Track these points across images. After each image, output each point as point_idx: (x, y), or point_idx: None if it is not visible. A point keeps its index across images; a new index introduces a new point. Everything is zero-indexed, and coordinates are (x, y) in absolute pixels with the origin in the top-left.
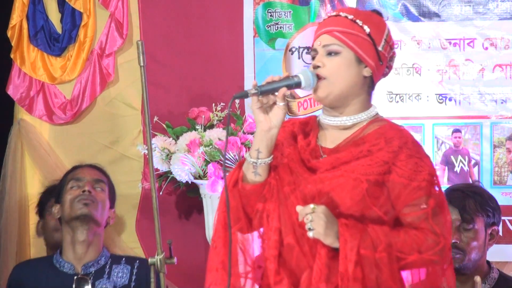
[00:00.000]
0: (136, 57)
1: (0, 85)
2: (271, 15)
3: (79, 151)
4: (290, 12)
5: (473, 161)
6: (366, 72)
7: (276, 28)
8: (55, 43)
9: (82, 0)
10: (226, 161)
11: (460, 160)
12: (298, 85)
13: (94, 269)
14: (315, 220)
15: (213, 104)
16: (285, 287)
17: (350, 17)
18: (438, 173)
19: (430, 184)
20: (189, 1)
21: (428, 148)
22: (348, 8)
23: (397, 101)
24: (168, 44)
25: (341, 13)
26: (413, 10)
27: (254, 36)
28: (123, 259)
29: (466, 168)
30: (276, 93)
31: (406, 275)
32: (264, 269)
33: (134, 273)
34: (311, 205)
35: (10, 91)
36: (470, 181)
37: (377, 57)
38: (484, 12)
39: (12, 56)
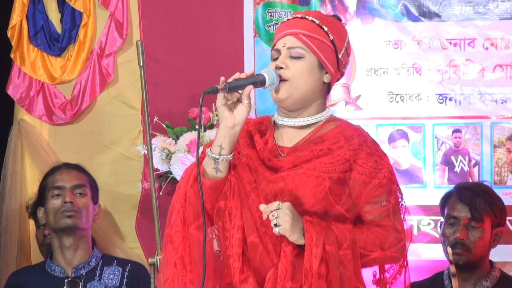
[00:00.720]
0: (136, 57)
1: (0, 85)
2: (271, 15)
3: (79, 151)
4: (290, 12)
5: (473, 161)
6: (326, 78)
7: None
8: (55, 43)
9: (82, 0)
10: None
11: (460, 160)
12: (262, 83)
13: (84, 271)
14: (281, 217)
15: (213, 104)
16: (251, 286)
17: (317, 21)
18: (438, 173)
19: (390, 181)
20: (189, 1)
21: (428, 148)
22: (313, 11)
23: (397, 101)
24: (168, 44)
25: (307, 17)
26: (413, 10)
27: (254, 36)
28: (115, 261)
29: (466, 168)
30: (240, 91)
31: (365, 272)
32: (224, 267)
33: (126, 275)
34: (276, 202)
35: (10, 91)
36: (471, 180)
37: (337, 64)
38: (484, 12)
39: (12, 56)
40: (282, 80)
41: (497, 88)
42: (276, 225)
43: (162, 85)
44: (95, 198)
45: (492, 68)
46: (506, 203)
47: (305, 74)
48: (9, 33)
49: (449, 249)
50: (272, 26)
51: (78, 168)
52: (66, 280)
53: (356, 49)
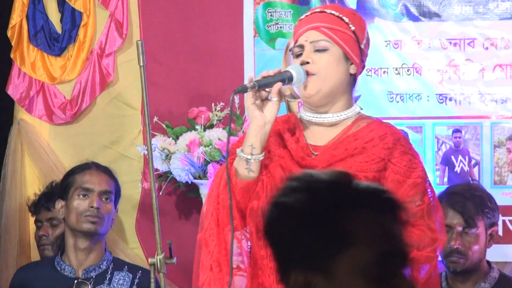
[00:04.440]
0: (136, 57)
1: (0, 85)
2: (271, 15)
3: (79, 151)
4: (290, 12)
5: (473, 161)
6: (352, 69)
7: (276, 28)
8: (55, 43)
9: (82, 0)
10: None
11: (460, 160)
12: (290, 80)
13: (95, 273)
14: None
15: (213, 104)
16: None
17: (336, 13)
18: (438, 173)
19: (424, 181)
20: (189, 1)
21: (428, 148)
22: (331, 5)
23: (397, 101)
24: (168, 44)
25: (326, 10)
26: (413, 10)
27: (254, 36)
28: (126, 266)
29: (466, 168)
30: (267, 89)
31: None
32: (255, 267)
33: (136, 282)
34: None
35: (10, 91)
36: (470, 180)
37: (360, 55)
38: (484, 12)
39: (12, 56)
40: (309, 74)
41: (497, 88)
42: None
43: (162, 85)
44: (116, 204)
45: (492, 68)
46: (506, 203)
47: (332, 66)
48: (9, 33)
49: None
50: (272, 26)
51: (107, 172)
52: (75, 281)
53: None
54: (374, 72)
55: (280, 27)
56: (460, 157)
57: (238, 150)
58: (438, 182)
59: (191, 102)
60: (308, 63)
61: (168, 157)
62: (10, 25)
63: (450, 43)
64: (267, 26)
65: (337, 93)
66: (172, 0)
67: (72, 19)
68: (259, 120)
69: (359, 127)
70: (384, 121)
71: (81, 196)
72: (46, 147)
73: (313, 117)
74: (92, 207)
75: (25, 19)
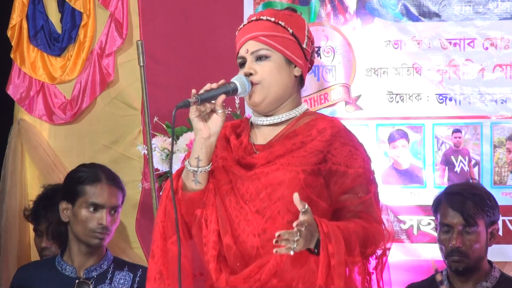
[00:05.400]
0: (136, 57)
1: (0, 85)
2: None
3: (79, 151)
4: None
5: (473, 161)
6: (297, 71)
7: None
8: (55, 43)
9: (82, 0)
10: None
11: (460, 160)
12: (235, 91)
13: (96, 273)
14: (297, 246)
15: None
16: (224, 277)
17: (272, 19)
18: (438, 173)
19: (367, 171)
20: (189, 1)
21: (428, 148)
22: (266, 10)
23: (397, 101)
24: (168, 44)
25: (262, 17)
26: (413, 10)
27: None
28: (126, 266)
29: (466, 168)
30: (213, 101)
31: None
32: (206, 272)
33: (136, 281)
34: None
35: (10, 91)
36: (470, 180)
37: (303, 55)
38: (484, 12)
39: (12, 56)
40: (254, 84)
41: (497, 88)
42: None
43: (162, 85)
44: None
45: (492, 68)
46: (506, 203)
47: (275, 73)
48: (9, 33)
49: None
50: None
51: (116, 182)
52: (76, 281)
53: (356, 49)
54: (374, 72)
55: None
56: (460, 157)
57: (185, 163)
58: (438, 182)
59: None
60: (251, 74)
61: (168, 157)
62: (10, 25)
63: (450, 43)
64: None
65: (283, 97)
66: (172, 0)
67: (72, 19)
68: (204, 132)
69: (301, 124)
70: (330, 115)
71: (90, 209)
72: (46, 147)
73: (260, 120)
74: (100, 224)
75: (25, 19)
